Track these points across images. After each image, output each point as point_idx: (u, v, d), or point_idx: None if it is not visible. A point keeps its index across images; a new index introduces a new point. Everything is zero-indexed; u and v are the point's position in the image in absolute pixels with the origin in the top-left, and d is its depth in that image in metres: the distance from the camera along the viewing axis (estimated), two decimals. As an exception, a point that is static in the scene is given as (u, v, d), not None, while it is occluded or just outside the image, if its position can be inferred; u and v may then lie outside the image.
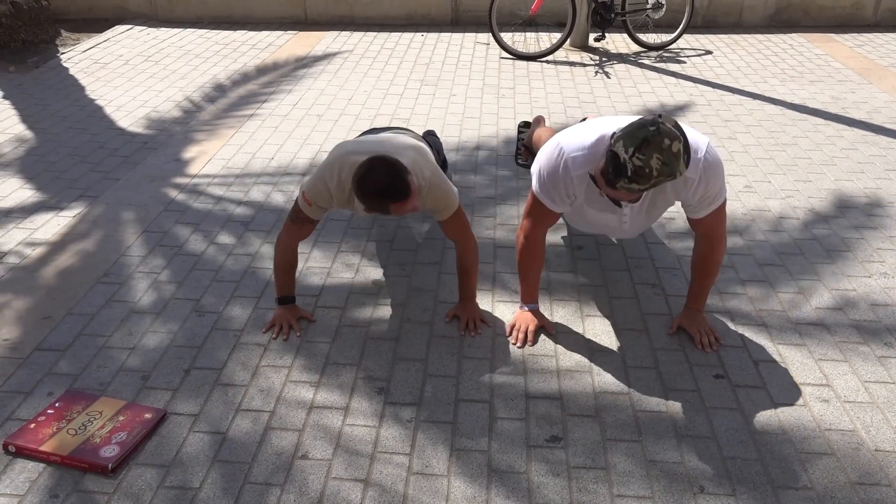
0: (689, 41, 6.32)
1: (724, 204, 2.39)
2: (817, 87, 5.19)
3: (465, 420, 2.22)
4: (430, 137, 3.68)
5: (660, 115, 2.08)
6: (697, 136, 2.30)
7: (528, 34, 6.49)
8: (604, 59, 5.86)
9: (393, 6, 6.83)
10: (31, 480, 2.00)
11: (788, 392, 2.33)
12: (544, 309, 2.73)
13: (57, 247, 3.14)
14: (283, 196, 3.58)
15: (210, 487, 1.98)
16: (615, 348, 2.53)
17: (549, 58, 5.87)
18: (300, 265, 2.98)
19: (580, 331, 2.63)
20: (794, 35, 6.50)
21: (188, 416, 2.23)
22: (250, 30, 6.63)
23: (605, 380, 2.39)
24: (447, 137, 4.28)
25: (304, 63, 5.69)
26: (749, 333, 2.61)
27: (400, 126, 3.03)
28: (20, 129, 4.43)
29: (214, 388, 2.34)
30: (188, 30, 6.62)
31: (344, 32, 6.56)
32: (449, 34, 6.55)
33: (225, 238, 3.21)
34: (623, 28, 6.12)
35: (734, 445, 2.13)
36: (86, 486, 1.98)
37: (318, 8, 6.84)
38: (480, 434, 2.17)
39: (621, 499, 1.96)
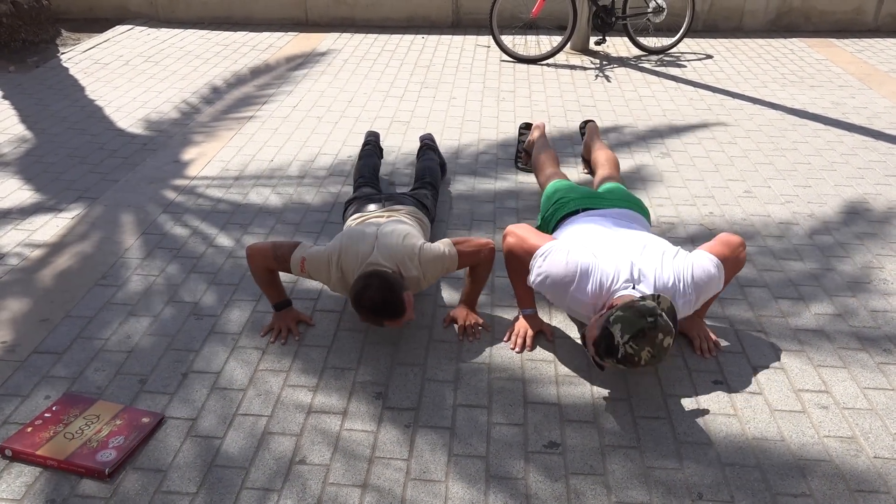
0: (689, 45, 6.32)
1: (723, 268, 2.37)
2: (817, 91, 5.19)
3: (463, 425, 2.21)
4: (427, 151, 3.67)
5: (658, 298, 2.14)
6: (683, 267, 2.33)
7: (529, 37, 6.49)
8: (604, 62, 5.86)
9: (393, 8, 6.83)
10: (27, 485, 1.99)
11: (787, 398, 2.33)
12: (543, 315, 2.72)
13: (55, 248, 3.14)
14: (281, 199, 3.58)
15: (207, 492, 1.97)
16: (614, 354, 2.53)
17: (550, 61, 5.87)
18: (299, 268, 2.97)
19: (578, 336, 2.62)
20: (794, 40, 6.50)
21: (186, 420, 2.22)
22: (251, 31, 6.63)
23: (603, 386, 2.38)
24: (447, 140, 4.28)
25: (304, 65, 5.69)
26: (748, 339, 2.61)
27: (394, 196, 3.00)
28: (20, 129, 4.43)
29: (212, 392, 2.34)
30: (189, 30, 6.62)
31: (344, 34, 6.56)
32: (449, 37, 6.55)
33: (224, 240, 3.21)
34: (624, 32, 6.12)
35: (733, 452, 2.13)
36: (83, 491, 1.97)
37: (318, 10, 6.84)
38: (478, 439, 2.16)
39: (619, 506, 1.96)
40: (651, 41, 6.17)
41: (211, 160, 4.00)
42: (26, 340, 2.56)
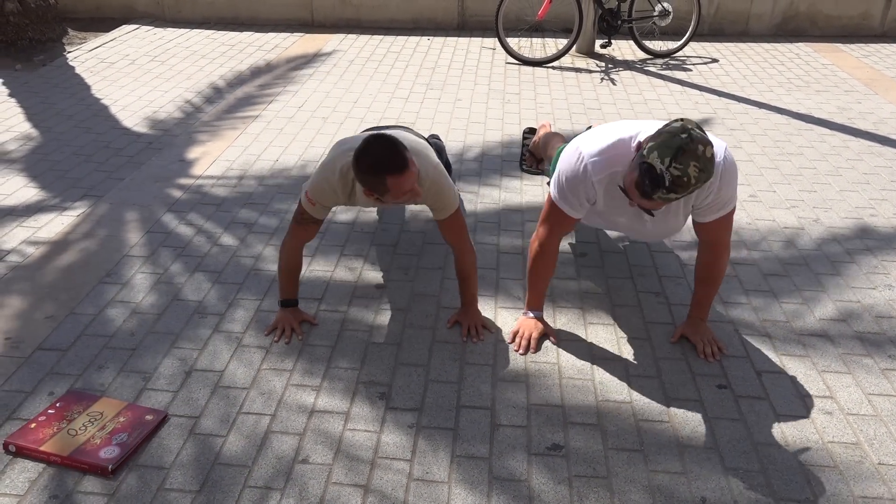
0: (695, 49, 6.32)
1: (732, 211, 2.39)
2: (823, 97, 5.18)
3: (466, 426, 2.21)
4: (434, 142, 3.68)
5: (681, 120, 2.08)
6: (714, 139, 2.30)
7: (535, 40, 6.49)
8: (610, 65, 5.86)
9: (399, 10, 6.84)
10: (30, 480, 2.00)
11: (791, 403, 2.32)
12: (547, 316, 2.72)
13: (60, 246, 3.14)
14: (286, 198, 3.58)
15: (210, 490, 1.97)
16: (618, 357, 2.53)
17: (555, 64, 5.87)
18: (303, 269, 2.97)
19: (583, 338, 2.62)
20: (800, 44, 6.49)
21: (189, 418, 2.22)
22: (256, 31, 6.64)
23: (607, 388, 2.38)
24: (452, 142, 4.28)
25: (310, 65, 5.69)
26: (752, 344, 2.60)
27: (404, 126, 3.02)
28: (26, 127, 4.44)
29: (216, 390, 2.34)
30: (195, 30, 6.63)
31: (350, 35, 6.57)
32: (455, 38, 6.55)
33: (228, 240, 3.21)
34: (629, 35, 6.12)
35: (736, 456, 2.12)
36: (86, 487, 1.97)
37: (324, 10, 6.85)
38: (481, 441, 2.16)
39: (622, 509, 1.96)
40: (657, 45, 6.17)
41: (216, 159, 4.00)
42: (31, 337, 2.57)
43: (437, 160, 2.52)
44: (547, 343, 2.58)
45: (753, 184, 3.81)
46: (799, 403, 2.32)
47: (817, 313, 2.77)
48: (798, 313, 2.77)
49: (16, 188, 3.65)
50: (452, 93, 5.14)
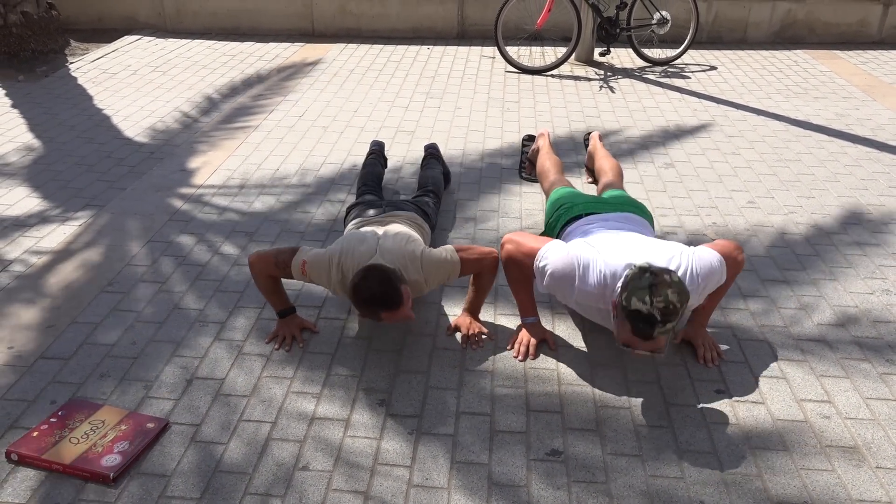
0: (693, 57, 6.35)
1: (725, 264, 2.41)
2: (821, 103, 5.20)
3: (465, 433, 2.22)
4: (430, 160, 3.69)
5: (633, 266, 2.20)
6: (671, 246, 2.39)
7: (534, 48, 6.52)
8: (609, 73, 5.88)
9: (399, 19, 6.88)
10: (32, 489, 2.01)
11: (789, 408, 2.33)
12: (546, 323, 2.74)
13: (62, 255, 3.16)
14: (286, 207, 3.60)
15: (211, 497, 1.99)
16: (616, 363, 2.54)
17: (555, 72, 5.90)
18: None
19: (581, 345, 2.63)
20: (798, 52, 6.52)
21: (190, 426, 2.24)
22: (258, 41, 6.68)
23: (605, 394, 2.39)
24: (451, 150, 4.30)
25: (310, 75, 5.73)
26: (750, 349, 2.61)
27: (394, 203, 3.03)
28: (28, 137, 4.47)
29: (216, 398, 2.35)
30: (196, 41, 6.67)
31: (350, 45, 6.61)
32: (455, 47, 6.59)
33: (229, 248, 3.23)
34: (628, 43, 6.15)
35: (735, 461, 2.13)
36: (87, 495, 1.99)
37: (325, 20, 6.89)
38: (481, 447, 2.17)
39: (621, 514, 1.96)
40: (655, 52, 6.20)
41: (217, 169, 4.03)
42: (33, 346, 2.58)
43: (423, 246, 2.56)
44: (546, 349, 2.59)
45: (752, 190, 3.83)
46: (797, 408, 2.33)
47: (815, 318, 2.78)
48: (796, 318, 2.78)
49: (18, 198, 3.68)
50: (452, 101, 5.17)
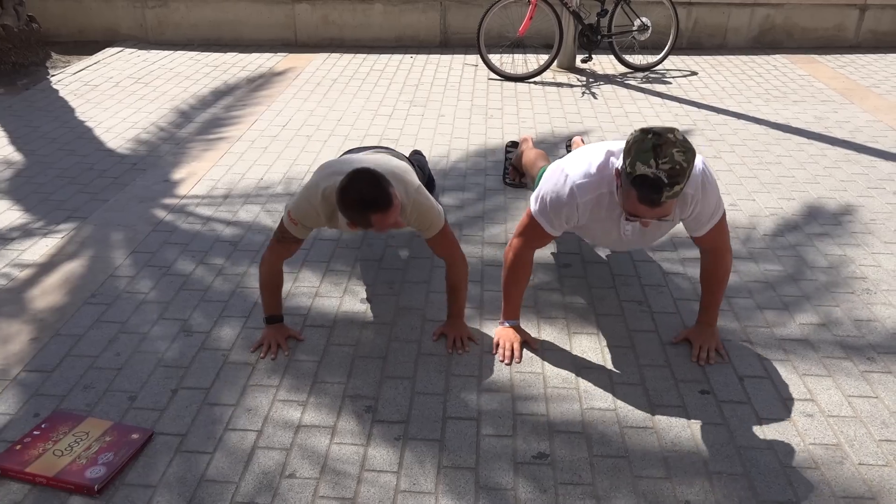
0: (674, 62, 6.41)
1: (723, 217, 2.43)
2: (800, 106, 5.26)
3: (452, 437, 2.23)
4: (417, 157, 3.72)
5: (636, 130, 2.13)
6: None
7: (516, 56, 6.56)
8: (591, 80, 5.93)
9: (382, 28, 6.90)
10: (16, 502, 1.99)
11: (773, 407, 2.35)
12: (531, 326, 2.75)
13: (45, 268, 3.14)
14: (271, 217, 3.60)
15: (197, 507, 1.98)
16: (602, 365, 2.55)
17: (537, 79, 5.93)
18: (288, 285, 2.99)
19: (567, 348, 2.64)
20: (777, 56, 6.60)
21: (175, 436, 2.22)
22: (240, 52, 6.67)
23: (591, 396, 2.40)
24: (435, 158, 4.31)
25: (294, 84, 5.73)
26: (734, 349, 2.63)
27: (385, 146, 3.07)
28: (9, 150, 4.44)
29: (202, 407, 2.34)
30: (178, 52, 6.66)
31: (333, 54, 6.62)
32: (438, 56, 6.61)
33: (213, 258, 3.22)
34: (609, 49, 6.20)
35: (720, 460, 2.14)
36: (71, 507, 1.97)
37: (307, 30, 6.90)
38: (468, 451, 2.17)
39: (608, 515, 1.97)
40: (636, 58, 6.25)
41: (201, 179, 4.02)
42: (15, 359, 2.56)
43: (419, 183, 2.55)
44: (532, 353, 2.60)
45: (733, 193, 3.86)
46: (780, 407, 2.35)
47: (797, 318, 2.81)
48: (779, 318, 2.81)
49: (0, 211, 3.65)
50: (436, 109, 5.19)
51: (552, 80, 5.90)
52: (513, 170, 3.92)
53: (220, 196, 3.82)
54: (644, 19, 5.95)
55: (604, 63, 6.39)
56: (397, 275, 3.10)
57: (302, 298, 2.92)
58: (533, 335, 2.69)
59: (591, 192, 2.34)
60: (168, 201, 3.77)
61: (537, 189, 2.48)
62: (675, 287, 3.02)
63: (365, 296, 2.94)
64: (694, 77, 5.99)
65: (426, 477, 2.08)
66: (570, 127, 4.84)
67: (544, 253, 3.25)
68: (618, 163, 2.26)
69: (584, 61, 6.14)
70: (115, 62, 6.35)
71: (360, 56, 6.57)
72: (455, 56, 6.62)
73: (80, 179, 4.04)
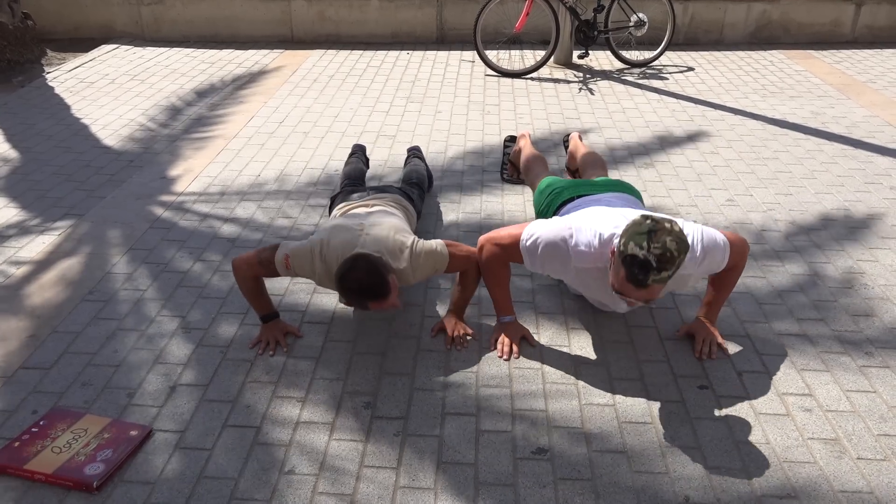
0: (671, 58, 6.41)
1: (730, 247, 2.42)
2: (797, 102, 5.27)
3: (451, 433, 2.23)
4: (414, 159, 3.72)
5: (637, 215, 2.18)
6: (687, 227, 2.37)
7: (513, 52, 6.56)
8: (587, 75, 5.92)
9: (378, 24, 6.89)
10: (15, 500, 1.99)
11: (772, 402, 2.36)
12: (530, 322, 2.75)
13: (42, 265, 3.13)
14: (268, 213, 3.59)
15: (196, 503, 1.98)
16: (600, 361, 2.55)
17: (534, 75, 5.93)
18: (286, 282, 2.99)
19: (566, 344, 2.64)
20: (774, 52, 6.60)
21: (174, 432, 2.22)
22: (237, 49, 6.66)
23: (590, 392, 2.40)
24: (433, 154, 4.31)
25: (290, 81, 5.72)
26: (733, 344, 2.64)
27: (379, 188, 3.05)
28: (4, 148, 4.43)
29: (200, 404, 2.34)
30: (174, 49, 6.64)
31: (330, 51, 6.61)
32: (434, 52, 6.60)
33: (211, 255, 3.22)
34: (606, 45, 6.20)
35: (719, 455, 2.15)
36: (70, 504, 1.97)
37: (304, 27, 6.89)
38: (467, 447, 2.17)
39: (607, 510, 1.97)
40: (633, 54, 6.25)
41: (198, 176, 4.01)
42: (13, 356, 2.56)
43: (414, 237, 2.55)
44: (530, 349, 2.60)
45: (730, 188, 3.87)
46: (779, 402, 2.36)
47: (795, 313, 2.82)
48: (777, 314, 2.81)
49: (-4, 209, 3.64)
50: (433, 105, 5.18)
51: (549, 77, 5.90)
52: (511, 166, 3.92)
53: (216, 193, 3.81)
54: (641, 15, 5.95)
55: (600, 59, 6.39)
56: (395, 271, 3.09)
57: (300, 295, 2.92)
58: (532, 331, 2.69)
59: (588, 263, 2.37)
60: (165, 198, 3.76)
61: (535, 228, 2.45)
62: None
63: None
64: (691, 73, 5.99)
65: (425, 473, 2.08)
66: (566, 123, 4.83)
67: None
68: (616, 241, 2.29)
69: (580, 57, 6.14)
70: (111, 59, 6.33)
71: (357, 52, 6.56)
72: (452, 52, 6.61)
73: (76, 176, 4.03)
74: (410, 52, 6.60)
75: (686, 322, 2.74)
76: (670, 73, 5.99)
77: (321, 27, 6.89)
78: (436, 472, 2.09)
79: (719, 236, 2.40)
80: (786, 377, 2.47)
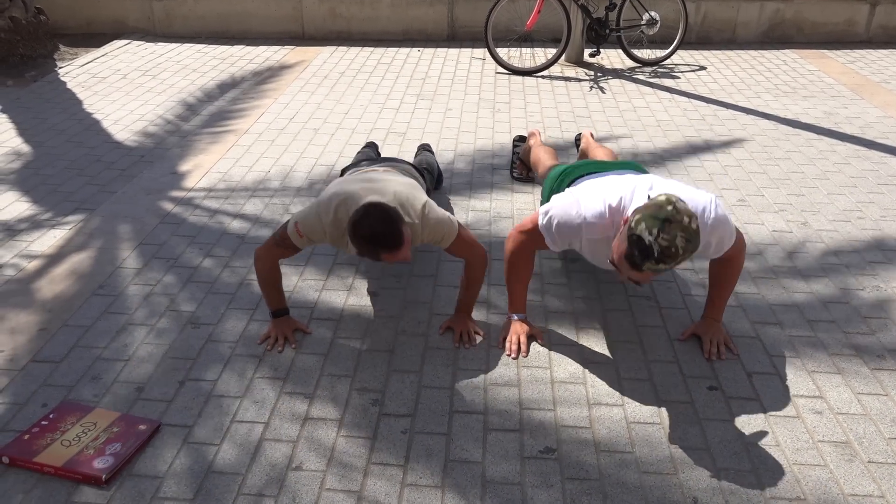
0: (683, 57, 6.38)
1: (736, 237, 2.42)
2: (810, 102, 5.23)
3: (459, 431, 2.22)
4: (425, 153, 3.72)
5: (666, 194, 2.13)
6: (701, 197, 2.35)
7: (524, 49, 6.54)
8: (599, 74, 5.90)
9: (390, 21, 6.89)
10: (25, 492, 2.00)
11: (782, 404, 2.34)
12: (539, 321, 2.74)
13: (53, 259, 3.15)
14: (277, 210, 3.60)
15: (204, 498, 1.98)
16: (609, 360, 2.54)
17: (545, 73, 5.91)
18: (295, 278, 2.99)
19: (574, 343, 2.63)
20: (787, 51, 6.56)
21: (182, 427, 2.23)
22: (248, 45, 6.67)
23: (598, 391, 2.39)
24: (443, 152, 4.30)
25: (301, 77, 5.72)
26: (743, 345, 2.62)
27: (392, 158, 3.06)
28: (17, 142, 4.45)
29: (209, 399, 2.34)
30: (186, 45, 6.66)
31: (341, 47, 6.61)
32: (445, 49, 6.59)
33: (220, 251, 3.22)
34: (618, 44, 6.17)
35: (727, 457, 2.14)
36: (80, 497, 1.98)
37: (315, 23, 6.89)
38: (474, 445, 2.17)
39: (615, 510, 1.97)
40: (645, 53, 6.22)
41: (208, 171, 4.02)
42: (24, 349, 2.57)
43: (426, 198, 2.54)
44: (539, 347, 2.60)
45: (742, 188, 3.84)
46: (789, 403, 2.34)
47: (807, 315, 2.80)
48: (788, 315, 2.80)
49: (8, 203, 3.66)
50: (443, 103, 5.17)
51: (560, 75, 5.88)
52: (520, 164, 3.91)
53: (227, 189, 3.82)
54: (653, 13, 5.92)
55: (612, 57, 6.36)
56: (404, 268, 3.09)
57: (309, 292, 2.92)
58: (540, 329, 2.68)
59: (599, 233, 2.36)
60: (175, 193, 3.77)
61: (548, 205, 2.46)
62: (682, 282, 3.01)
63: (372, 289, 2.94)
64: (703, 72, 5.96)
65: (432, 470, 2.08)
66: (577, 121, 4.82)
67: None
68: (631, 208, 2.26)
69: (592, 55, 6.11)
70: (123, 55, 6.35)
71: (368, 49, 6.56)
72: (462, 50, 6.60)
73: (87, 171, 4.04)
74: (421, 49, 6.60)
75: (695, 321, 2.73)
76: (682, 72, 5.96)
77: (332, 24, 6.89)
78: (443, 469, 2.08)
79: (731, 221, 2.38)
80: (796, 379, 2.45)
